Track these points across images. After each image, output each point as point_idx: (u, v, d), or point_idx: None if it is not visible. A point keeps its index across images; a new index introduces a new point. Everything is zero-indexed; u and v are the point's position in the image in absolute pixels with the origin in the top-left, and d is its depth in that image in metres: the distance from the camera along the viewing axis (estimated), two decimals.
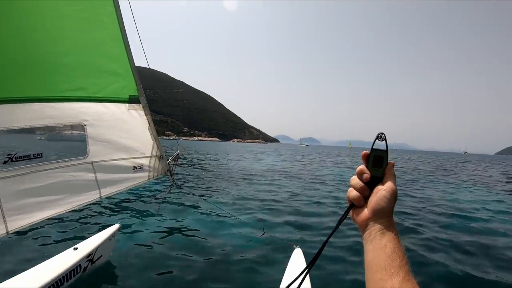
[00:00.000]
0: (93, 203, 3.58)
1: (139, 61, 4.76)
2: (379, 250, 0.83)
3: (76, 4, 3.30)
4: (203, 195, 11.72)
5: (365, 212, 0.94)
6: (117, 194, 3.75)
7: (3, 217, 2.88)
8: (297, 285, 1.08)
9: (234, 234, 7.66)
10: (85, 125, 3.44)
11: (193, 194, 11.59)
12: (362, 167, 0.97)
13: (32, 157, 3.08)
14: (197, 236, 7.35)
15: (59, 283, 4.35)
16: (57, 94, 3.25)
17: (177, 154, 4.33)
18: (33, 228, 6.64)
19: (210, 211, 9.54)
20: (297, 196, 12.59)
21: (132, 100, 3.76)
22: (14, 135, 3.12)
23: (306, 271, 1.06)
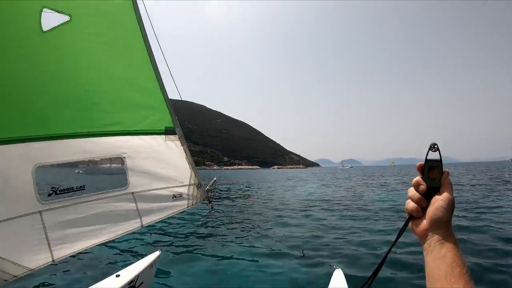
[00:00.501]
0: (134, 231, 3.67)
1: (176, 95, 4.91)
2: (439, 260, 0.84)
3: (107, 44, 3.49)
4: (241, 222, 11.68)
5: (424, 223, 0.94)
6: (157, 222, 3.84)
7: (49, 246, 3.01)
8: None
9: (272, 255, 7.60)
10: (124, 157, 3.57)
11: (232, 221, 11.61)
12: (418, 178, 0.98)
13: (75, 189, 3.23)
14: (236, 261, 7.34)
15: None
16: (96, 130, 3.41)
17: (215, 181, 4.41)
18: (76, 256, 6.85)
19: (249, 237, 9.49)
20: (337, 224, 12.17)
21: (168, 131, 3.87)
22: (57, 169, 3.28)
23: (371, 279, 1.08)
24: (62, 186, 3.15)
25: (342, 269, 5.14)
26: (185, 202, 4.02)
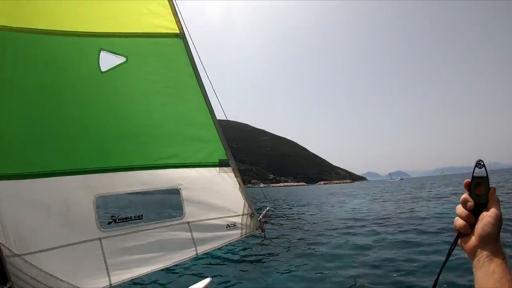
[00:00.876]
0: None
1: (219, 115, 5.05)
2: (488, 276, 0.86)
3: (161, 82, 3.71)
4: (291, 248, 11.54)
5: (473, 240, 0.96)
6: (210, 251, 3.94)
7: (107, 271, 3.20)
8: None
9: (326, 282, 7.49)
10: (180, 189, 3.74)
11: (284, 249, 11.52)
12: (465, 195, 1.00)
13: (133, 218, 3.44)
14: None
15: None
16: (153, 162, 3.63)
17: (267, 212, 4.46)
18: (132, 281, 7.06)
19: (300, 263, 9.38)
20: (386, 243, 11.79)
21: (222, 163, 4.01)
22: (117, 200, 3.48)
23: None
24: (121, 215, 3.37)
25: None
26: (239, 231, 4.11)
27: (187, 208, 3.78)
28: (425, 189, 48.25)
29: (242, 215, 4.15)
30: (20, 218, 2.81)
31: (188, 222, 3.78)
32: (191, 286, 5.79)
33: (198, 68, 3.86)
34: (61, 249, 2.98)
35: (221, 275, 8.37)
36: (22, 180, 2.91)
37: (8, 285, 2.23)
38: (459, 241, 1.03)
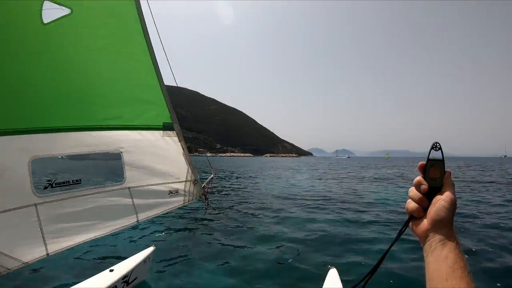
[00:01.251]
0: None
1: (168, 80, 4.86)
2: (440, 261, 0.83)
3: (107, 37, 3.46)
4: (237, 218, 11.64)
5: (425, 223, 0.93)
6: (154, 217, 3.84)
7: (44, 240, 3.01)
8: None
9: (266, 254, 7.61)
10: (121, 152, 3.57)
11: (228, 217, 11.61)
12: (419, 178, 0.97)
13: (71, 183, 3.23)
14: (232, 257, 7.35)
15: None
16: (95, 123, 3.40)
17: (212, 178, 4.40)
18: (71, 250, 6.84)
19: (243, 232, 9.49)
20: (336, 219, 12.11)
21: (166, 127, 3.87)
22: (54, 160, 3.27)
23: (368, 277, 1.08)
24: (58, 179, 3.15)
25: (337, 269, 5.19)
26: (181, 198, 4.03)
27: (128, 173, 3.62)
28: (370, 168, 50.14)
29: (185, 181, 4.05)
30: None
31: (129, 188, 3.62)
32: (134, 255, 5.70)
33: (147, 27, 3.66)
34: None
35: (164, 244, 8.31)
36: None
37: None
38: (410, 224, 1.00)
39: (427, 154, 0.94)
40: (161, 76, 3.75)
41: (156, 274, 6.30)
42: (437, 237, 0.88)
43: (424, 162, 0.96)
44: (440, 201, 0.91)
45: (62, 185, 3.16)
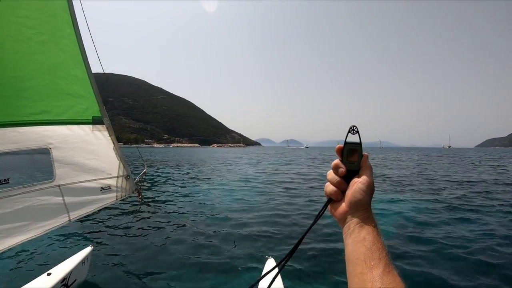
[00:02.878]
0: (64, 226, 3.55)
1: (112, 67, 4.69)
2: (359, 243, 0.84)
3: (35, 28, 3.29)
4: (172, 211, 11.53)
5: (343, 206, 0.94)
6: (87, 215, 3.73)
7: None
8: (271, 279, 1.10)
9: (205, 247, 7.62)
10: (50, 148, 3.42)
11: (163, 212, 11.47)
12: (337, 161, 0.97)
13: None
14: (170, 253, 7.28)
15: None
16: (21, 119, 3.23)
17: (144, 173, 4.33)
18: (3, 255, 6.51)
19: (180, 227, 9.43)
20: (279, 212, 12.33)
21: (95, 121, 3.75)
22: None
23: (282, 263, 1.06)
24: None
25: (274, 259, 5.29)
26: (114, 194, 3.94)
27: (58, 170, 3.48)
28: (319, 160, 50.99)
29: (117, 177, 3.97)
30: None
31: (59, 186, 3.49)
32: (72, 256, 5.51)
33: (76, 16, 3.52)
34: None
35: (102, 244, 8.08)
36: None
37: None
38: (329, 206, 1.01)
39: (345, 137, 0.93)
40: (90, 68, 3.63)
41: (95, 275, 6.14)
42: (355, 219, 0.89)
43: (342, 146, 0.96)
44: (358, 184, 0.91)
45: None
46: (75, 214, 3.59)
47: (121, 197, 4.03)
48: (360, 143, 0.95)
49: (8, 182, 3.13)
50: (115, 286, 5.70)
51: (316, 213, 1.03)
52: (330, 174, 0.99)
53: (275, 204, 12.87)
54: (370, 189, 0.91)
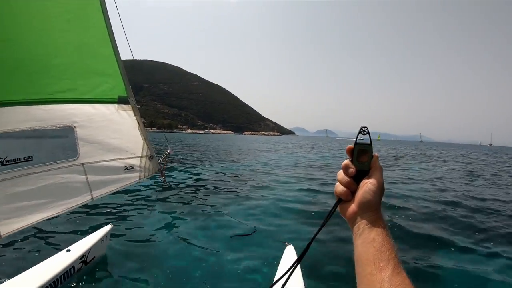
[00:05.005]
0: (85, 204, 3.59)
1: (149, 55, 4.69)
2: (368, 244, 0.83)
3: (63, 5, 3.29)
4: (195, 195, 11.59)
5: (353, 207, 0.93)
6: (109, 194, 3.77)
7: None
8: (285, 280, 1.08)
9: (226, 232, 7.63)
10: (75, 126, 3.45)
11: (186, 193, 11.55)
12: (347, 161, 0.97)
13: (22, 160, 3.09)
14: (189, 236, 7.33)
15: (53, 285, 4.44)
16: (46, 96, 3.24)
17: (168, 154, 4.33)
18: (25, 231, 6.71)
19: (202, 211, 9.47)
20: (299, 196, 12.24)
21: (121, 100, 3.75)
22: (3, 139, 3.11)
23: (295, 265, 1.06)
24: (9, 157, 3.00)
25: (294, 246, 5.24)
26: (137, 174, 3.96)
27: (82, 149, 3.51)
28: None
29: (141, 157, 3.98)
30: None
31: (82, 164, 3.52)
32: (91, 234, 5.65)
33: None
34: None
35: (122, 223, 8.22)
36: None
37: None
38: (339, 207, 1.00)
39: (355, 137, 0.95)
40: (117, 47, 3.62)
41: (113, 253, 6.25)
42: (365, 220, 0.89)
43: (352, 146, 0.96)
44: (368, 184, 0.91)
45: (13, 162, 3.02)
46: (98, 193, 3.62)
47: (144, 177, 4.05)
48: (370, 144, 0.95)
49: (32, 160, 3.17)
50: (132, 265, 5.80)
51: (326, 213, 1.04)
52: (340, 174, 0.99)
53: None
54: (380, 190, 0.91)
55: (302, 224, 8.49)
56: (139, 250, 6.51)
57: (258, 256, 6.27)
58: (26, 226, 3.13)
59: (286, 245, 5.28)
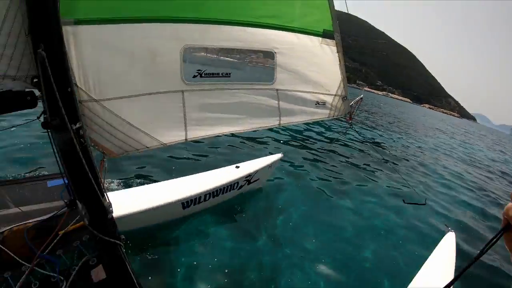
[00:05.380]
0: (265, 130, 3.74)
1: (338, 5, 4.57)
2: None
3: None
4: (374, 154, 11.17)
5: None
6: (292, 125, 3.83)
7: (185, 125, 3.20)
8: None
9: (396, 198, 7.32)
10: (275, 52, 3.50)
11: (366, 148, 11.20)
12: None
13: (220, 75, 3.31)
14: (355, 190, 7.23)
15: (217, 192, 4.92)
16: (251, 20, 3.32)
17: (361, 98, 4.16)
18: (204, 142, 7.36)
19: (373, 171, 9.16)
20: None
21: (326, 34, 3.66)
22: (204, 53, 3.34)
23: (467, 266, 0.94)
24: (208, 70, 3.21)
25: (456, 235, 4.80)
26: (327, 111, 3.93)
27: (279, 75, 3.58)
28: None
29: (335, 95, 3.91)
30: (101, 64, 2.70)
31: (277, 90, 3.62)
32: (261, 158, 6.00)
33: None
34: (140, 97, 2.93)
35: (293, 157, 8.42)
36: (105, 25, 2.68)
37: (78, 125, 2.23)
38: (504, 235, 0.78)
39: None
40: None
41: (276, 182, 6.52)
42: None
43: None
44: None
45: (211, 76, 3.24)
46: (285, 120, 3.69)
47: (333, 116, 4.01)
48: None
49: (229, 77, 3.36)
50: (290, 196, 5.97)
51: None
52: None
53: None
54: None
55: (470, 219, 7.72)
56: (300, 183, 6.72)
57: (417, 229, 5.96)
58: (211, 135, 3.38)
59: (448, 231, 4.86)
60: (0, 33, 1.96)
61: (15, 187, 3.60)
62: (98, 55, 2.67)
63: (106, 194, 2.48)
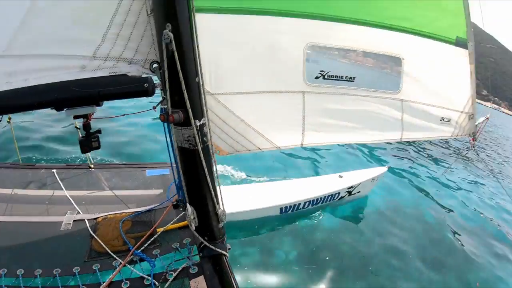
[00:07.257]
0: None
1: None
2: None
3: None
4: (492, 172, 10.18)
5: None
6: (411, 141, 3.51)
7: (303, 129, 3.01)
8: None
9: None
10: (403, 59, 3.18)
11: (486, 167, 10.23)
12: None
13: (344, 79, 3.04)
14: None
15: (316, 202, 4.85)
16: (381, 20, 3.03)
17: (487, 118, 3.68)
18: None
19: (486, 191, 8.43)
20: None
21: (459, 43, 3.27)
22: (327, 54, 3.11)
23: None
24: (332, 72, 2.97)
25: None
26: (451, 130, 3.54)
27: (405, 84, 3.25)
28: None
29: (462, 112, 3.49)
30: (220, 56, 2.58)
31: (401, 100, 3.29)
32: (365, 169, 5.81)
33: None
34: (257, 95, 2.80)
35: (399, 171, 7.96)
36: (224, 14, 2.55)
37: (202, 121, 2.12)
38: None
39: None
40: None
41: (378, 194, 6.27)
42: None
43: None
44: None
45: (334, 78, 3.00)
46: (408, 135, 3.38)
47: (456, 135, 3.62)
48: None
49: (353, 81, 3.08)
50: (393, 215, 5.76)
51: None
52: None
53: None
54: None
55: None
56: (403, 200, 6.43)
57: None
58: (327, 143, 3.19)
59: None
60: (118, 11, 1.87)
61: (112, 171, 3.67)
62: (216, 45, 2.57)
63: (222, 201, 2.37)
